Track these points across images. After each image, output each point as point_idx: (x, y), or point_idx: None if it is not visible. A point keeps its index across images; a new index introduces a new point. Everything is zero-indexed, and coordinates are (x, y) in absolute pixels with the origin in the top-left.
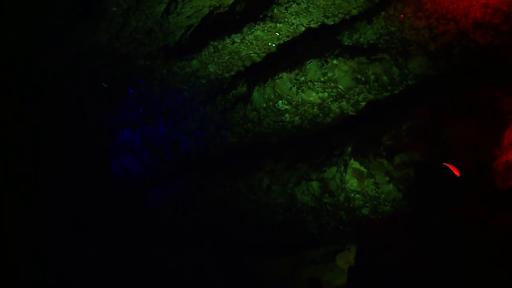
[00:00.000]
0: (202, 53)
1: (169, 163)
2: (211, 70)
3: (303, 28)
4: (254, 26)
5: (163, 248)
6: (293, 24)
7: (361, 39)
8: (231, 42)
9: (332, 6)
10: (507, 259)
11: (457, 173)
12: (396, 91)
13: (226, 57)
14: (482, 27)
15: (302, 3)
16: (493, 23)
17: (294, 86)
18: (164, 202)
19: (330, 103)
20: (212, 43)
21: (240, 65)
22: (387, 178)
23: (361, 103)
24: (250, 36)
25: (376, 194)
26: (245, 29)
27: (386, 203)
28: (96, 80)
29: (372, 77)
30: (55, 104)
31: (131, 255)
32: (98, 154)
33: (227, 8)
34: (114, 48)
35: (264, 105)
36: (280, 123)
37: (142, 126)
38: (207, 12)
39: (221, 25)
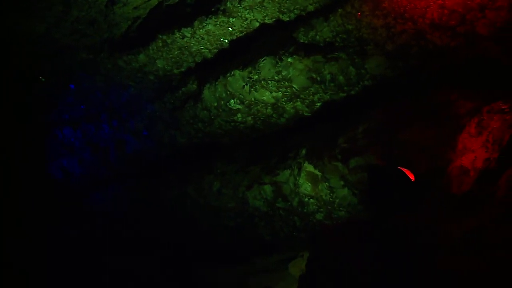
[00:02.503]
0: (150, 47)
1: (114, 165)
2: (159, 65)
3: (257, 24)
4: (206, 20)
5: (106, 255)
6: (246, 19)
7: (317, 37)
8: (181, 37)
9: (288, 1)
10: (461, 265)
11: (412, 177)
12: (352, 92)
13: (176, 52)
14: (440, 28)
15: None
16: (450, 24)
17: (246, 84)
18: (108, 206)
19: (284, 103)
20: (160, 36)
21: (190, 61)
22: (342, 182)
23: (316, 104)
24: (201, 30)
25: (330, 199)
26: (196, 23)
27: (341, 208)
28: (33, 73)
29: (328, 76)
30: None
31: (71, 264)
32: (34, 154)
33: (177, 0)
34: (53, 39)
35: (215, 104)
36: (232, 123)
37: (84, 124)
38: (156, 3)
39: (170, 17)
